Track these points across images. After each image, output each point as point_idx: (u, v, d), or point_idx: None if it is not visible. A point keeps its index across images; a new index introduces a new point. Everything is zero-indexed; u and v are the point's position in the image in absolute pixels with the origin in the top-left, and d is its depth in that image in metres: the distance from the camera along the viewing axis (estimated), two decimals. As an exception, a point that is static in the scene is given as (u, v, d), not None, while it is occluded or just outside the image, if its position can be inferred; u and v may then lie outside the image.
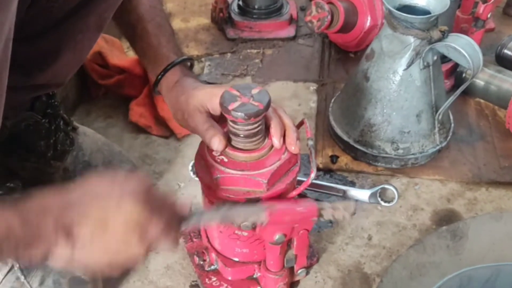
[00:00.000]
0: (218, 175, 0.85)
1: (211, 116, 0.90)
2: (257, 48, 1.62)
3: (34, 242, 0.65)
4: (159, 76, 0.96)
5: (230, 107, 0.80)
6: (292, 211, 0.86)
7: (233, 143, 0.86)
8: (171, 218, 0.74)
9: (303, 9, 1.74)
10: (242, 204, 0.83)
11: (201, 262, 1.02)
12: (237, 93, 0.82)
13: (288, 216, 0.86)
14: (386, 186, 1.19)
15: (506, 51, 1.46)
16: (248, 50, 1.61)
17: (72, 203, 0.67)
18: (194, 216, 0.79)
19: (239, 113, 0.80)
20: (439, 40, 1.11)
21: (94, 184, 0.70)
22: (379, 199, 1.18)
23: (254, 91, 0.83)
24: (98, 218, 0.67)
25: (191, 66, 1.00)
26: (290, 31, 1.66)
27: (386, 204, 1.18)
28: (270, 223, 0.84)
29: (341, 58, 1.58)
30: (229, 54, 1.60)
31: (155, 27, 0.98)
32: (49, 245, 0.66)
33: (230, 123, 0.84)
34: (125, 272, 0.83)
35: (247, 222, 0.83)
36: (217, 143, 0.85)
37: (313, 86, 1.49)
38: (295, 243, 0.93)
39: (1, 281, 0.93)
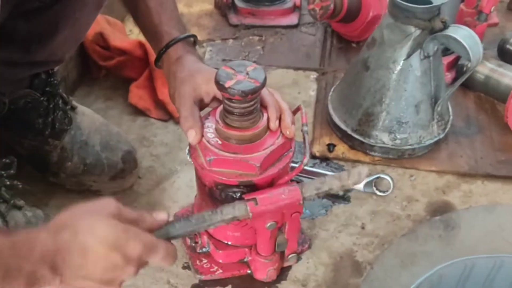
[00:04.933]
0: (212, 157, 0.86)
1: (199, 103, 0.91)
2: (259, 35, 1.62)
3: (22, 271, 0.66)
4: (161, 51, 0.96)
5: (226, 85, 0.81)
6: (275, 199, 0.86)
7: (228, 121, 0.86)
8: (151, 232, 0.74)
9: (307, -3, 1.73)
10: (223, 206, 0.84)
11: (193, 244, 1.03)
12: (232, 71, 0.82)
13: (272, 205, 0.86)
14: (382, 176, 1.19)
15: (508, 46, 1.45)
16: (250, 37, 1.61)
17: (53, 236, 0.68)
18: (171, 226, 0.79)
19: (236, 91, 0.80)
20: (440, 30, 1.11)
21: (67, 217, 0.71)
22: (374, 188, 1.18)
23: (249, 69, 0.83)
24: (77, 248, 0.67)
25: (195, 43, 1.01)
26: (293, 19, 1.66)
27: (381, 194, 1.18)
28: (255, 216, 0.84)
29: (343, 48, 1.57)
30: (231, 40, 1.60)
31: (157, 4, 0.99)
32: (36, 279, 0.66)
33: (226, 101, 0.84)
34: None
35: (228, 221, 0.84)
36: (192, 136, 0.86)
37: (313, 75, 1.49)
38: (286, 227, 0.94)
39: None
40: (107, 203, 0.72)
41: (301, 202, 0.87)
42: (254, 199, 0.84)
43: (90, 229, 0.68)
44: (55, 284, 0.68)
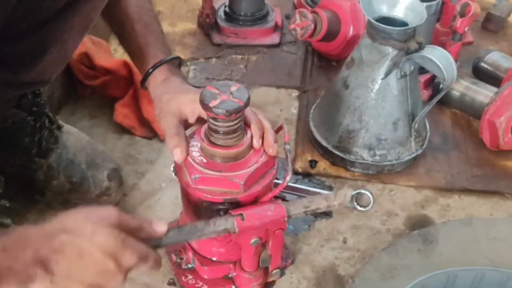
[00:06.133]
0: (197, 175, 0.88)
1: (184, 123, 0.94)
2: (241, 54, 1.65)
3: (13, 271, 0.67)
4: (147, 73, 0.99)
5: (211, 105, 0.83)
6: (261, 215, 0.89)
7: (212, 139, 0.89)
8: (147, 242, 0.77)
9: (288, 17, 1.77)
10: (212, 219, 0.87)
11: (178, 260, 1.04)
12: (217, 91, 0.85)
13: (258, 221, 0.88)
14: (362, 191, 1.22)
15: (482, 64, 1.50)
16: (233, 56, 1.64)
17: (49, 238, 0.70)
18: (165, 237, 0.81)
19: (220, 110, 0.83)
20: (416, 51, 1.15)
21: (68, 220, 0.73)
22: (355, 203, 1.21)
23: (233, 89, 0.86)
24: (74, 251, 0.70)
25: (180, 64, 1.04)
26: (274, 38, 1.70)
27: (362, 209, 1.21)
28: (241, 231, 0.87)
29: (324, 66, 1.61)
30: (214, 59, 1.63)
31: (143, 27, 1.02)
32: (27, 277, 0.68)
33: (211, 120, 0.87)
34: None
35: (220, 233, 0.86)
36: (178, 154, 0.89)
37: (295, 93, 1.52)
38: (270, 243, 0.96)
39: None
40: (109, 212, 0.74)
41: (286, 219, 0.90)
42: (241, 214, 0.87)
43: (90, 236, 0.70)
44: (46, 283, 0.69)
